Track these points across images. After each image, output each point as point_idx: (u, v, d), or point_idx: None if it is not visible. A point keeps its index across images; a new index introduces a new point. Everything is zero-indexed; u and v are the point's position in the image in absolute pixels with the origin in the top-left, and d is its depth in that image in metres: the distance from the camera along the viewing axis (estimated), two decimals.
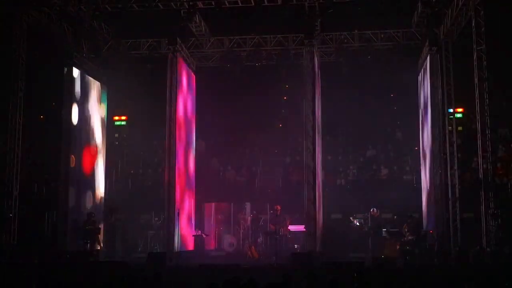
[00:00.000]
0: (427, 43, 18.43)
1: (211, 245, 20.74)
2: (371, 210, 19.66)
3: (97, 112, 20.83)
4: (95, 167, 20.55)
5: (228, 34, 20.47)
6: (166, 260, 15.86)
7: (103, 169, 21.15)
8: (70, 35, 19.46)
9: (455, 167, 18.49)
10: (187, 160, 19.94)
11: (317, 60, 18.63)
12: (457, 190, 18.24)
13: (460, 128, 21.47)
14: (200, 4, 17.78)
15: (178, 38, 18.51)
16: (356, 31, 19.72)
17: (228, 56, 20.67)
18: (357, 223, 19.70)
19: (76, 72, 19.15)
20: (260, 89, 23.54)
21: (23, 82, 18.00)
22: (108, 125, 21.95)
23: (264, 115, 23.77)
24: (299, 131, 18.90)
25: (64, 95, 18.88)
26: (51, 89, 21.09)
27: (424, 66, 19.16)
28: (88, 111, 20.15)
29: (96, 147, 20.72)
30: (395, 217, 19.98)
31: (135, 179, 23.21)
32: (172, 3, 17.58)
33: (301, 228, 18.72)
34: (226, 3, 17.50)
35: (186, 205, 19.54)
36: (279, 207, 19.13)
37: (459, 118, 21.50)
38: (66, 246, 17.85)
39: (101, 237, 19.30)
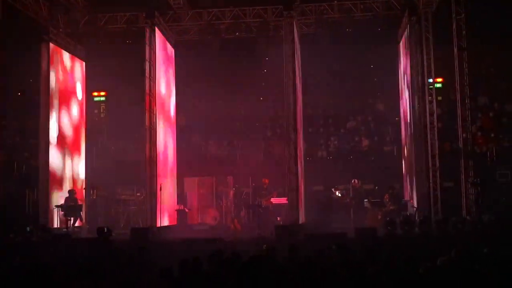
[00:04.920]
0: (406, 13, 18.40)
1: (194, 219, 20.77)
2: (353, 181, 19.78)
3: (75, 87, 20.61)
4: (75, 142, 20.42)
5: (206, 7, 20.23)
6: (149, 235, 15.87)
7: (83, 145, 21.02)
8: (45, 10, 19.14)
9: (435, 137, 18.61)
10: (168, 135, 19.84)
11: (297, 31, 18.52)
12: (437, 160, 18.38)
13: (439, 98, 21.57)
14: None
15: (155, 12, 18.29)
16: (335, 1, 19.58)
17: (207, 29, 20.46)
18: (339, 194, 19.82)
19: (52, 47, 18.88)
20: (240, 62, 23.40)
21: None
22: (87, 101, 21.75)
23: (244, 88, 23.68)
24: (280, 103, 18.86)
25: (41, 71, 18.64)
26: (28, 65, 20.78)
27: (404, 36, 19.15)
28: (66, 86, 19.92)
29: (75, 123, 20.56)
30: (376, 187, 20.16)
31: (116, 155, 23.05)
32: None
33: (283, 200, 18.81)
34: None
35: (168, 179, 19.49)
36: (267, 181, 19.18)
37: (438, 88, 21.59)
38: (48, 223, 17.79)
39: (82, 213, 19.25)
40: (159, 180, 17.83)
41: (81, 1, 19.67)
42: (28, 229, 16.17)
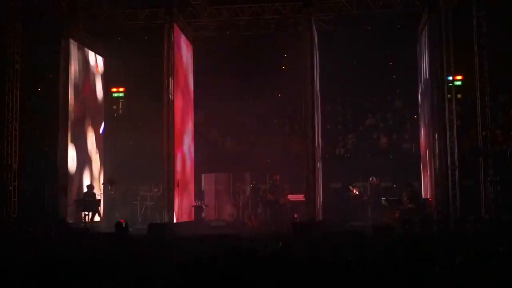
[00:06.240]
0: (426, 10, 18.25)
1: (211, 215, 20.82)
2: (370, 178, 19.69)
3: (94, 83, 20.74)
4: (94, 138, 20.57)
5: (225, 3, 20.22)
6: (166, 231, 15.93)
7: (102, 141, 21.16)
8: (65, 5, 19.25)
9: (455, 135, 18.45)
10: (185, 131, 19.90)
11: (315, 28, 18.46)
12: (456, 158, 18.22)
13: (459, 95, 21.37)
14: None
15: (174, 8, 18.34)
16: None
17: (225, 25, 20.47)
18: (357, 192, 19.74)
19: (72, 43, 19.00)
20: (258, 59, 23.36)
21: (19, 55, 17.84)
22: (106, 96, 21.89)
23: (262, 84, 23.61)
24: (298, 100, 18.82)
25: (61, 67, 18.76)
26: (48, 61, 20.92)
27: (423, 33, 19.00)
28: (85, 82, 20.05)
29: (94, 118, 20.71)
30: (394, 185, 20.03)
31: (134, 150, 23.14)
32: None
33: (300, 197, 18.78)
34: None
35: (186, 175, 19.55)
36: (278, 177, 19.17)
37: (458, 85, 21.39)
38: (66, 219, 17.92)
39: (101, 208, 19.38)
40: (177, 176, 17.88)
41: None
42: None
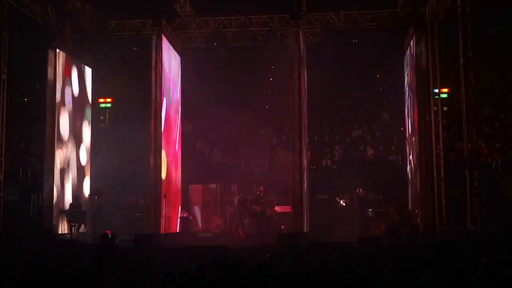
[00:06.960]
0: (412, 23, 18.42)
1: (198, 226, 20.76)
2: (357, 190, 19.74)
3: (81, 94, 20.68)
4: (80, 149, 20.49)
5: (213, 15, 20.31)
6: (153, 242, 15.87)
7: (88, 152, 21.07)
8: (53, 16, 19.25)
9: (441, 147, 18.59)
10: (173, 142, 19.88)
11: (303, 40, 18.57)
12: (442, 170, 18.35)
13: (445, 108, 21.55)
14: None
15: (162, 19, 18.38)
16: (342, 11, 19.64)
17: (213, 37, 20.54)
18: (343, 203, 19.78)
19: (59, 54, 18.97)
20: (246, 70, 23.43)
21: (6, 64, 17.76)
22: (93, 107, 21.83)
23: (250, 96, 23.71)
24: (285, 111, 18.89)
25: (48, 76, 18.71)
26: (35, 71, 20.90)
27: (409, 46, 19.17)
28: (72, 93, 20.00)
29: (81, 129, 20.64)
30: (381, 197, 20.09)
31: (121, 162, 23.08)
32: None
33: (287, 209, 18.78)
34: None
35: (173, 187, 19.51)
36: (262, 188, 19.19)
37: (444, 98, 21.58)
38: (52, 229, 17.81)
39: (87, 219, 19.26)
40: (164, 187, 17.85)
41: (89, 8, 19.79)
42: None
